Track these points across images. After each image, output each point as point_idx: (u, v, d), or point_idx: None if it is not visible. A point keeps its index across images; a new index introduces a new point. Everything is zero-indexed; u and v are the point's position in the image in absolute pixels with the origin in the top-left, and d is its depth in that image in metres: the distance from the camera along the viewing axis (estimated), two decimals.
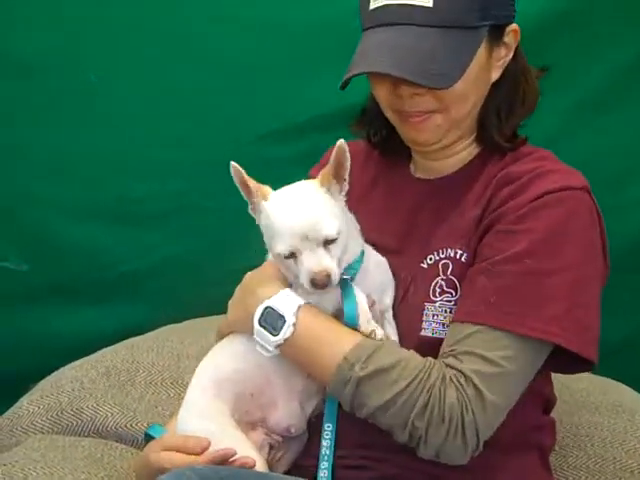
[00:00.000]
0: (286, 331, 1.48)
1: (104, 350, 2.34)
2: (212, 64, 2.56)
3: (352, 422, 1.50)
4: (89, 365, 2.25)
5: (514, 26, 1.57)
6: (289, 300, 1.50)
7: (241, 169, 1.49)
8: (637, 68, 2.50)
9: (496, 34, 1.55)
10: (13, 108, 2.58)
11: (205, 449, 1.50)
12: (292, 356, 1.52)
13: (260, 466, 1.48)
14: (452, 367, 1.44)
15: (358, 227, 1.58)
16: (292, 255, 1.45)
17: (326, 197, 1.48)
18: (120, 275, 2.72)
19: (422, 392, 1.42)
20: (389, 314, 1.58)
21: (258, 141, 2.57)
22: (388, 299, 1.58)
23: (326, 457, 1.53)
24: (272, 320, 1.49)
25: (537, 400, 1.64)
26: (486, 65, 1.55)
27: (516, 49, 1.59)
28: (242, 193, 1.51)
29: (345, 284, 1.51)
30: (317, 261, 1.44)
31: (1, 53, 2.54)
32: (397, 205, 1.68)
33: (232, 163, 1.49)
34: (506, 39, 1.57)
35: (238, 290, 1.64)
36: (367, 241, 1.60)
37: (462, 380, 1.43)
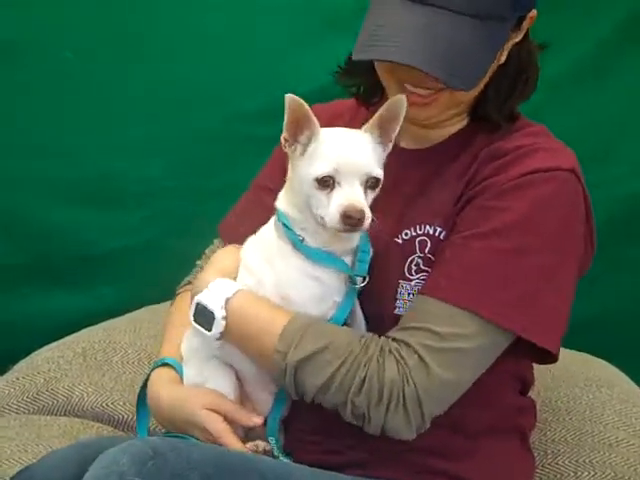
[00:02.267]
0: (217, 326, 1.44)
1: (81, 331, 2.32)
2: (196, 41, 2.56)
3: (320, 408, 1.46)
4: (65, 346, 2.23)
5: (533, 12, 1.49)
6: (216, 294, 1.46)
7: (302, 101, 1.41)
8: (619, 42, 2.51)
9: (519, 22, 1.48)
10: None
11: (257, 425, 1.49)
12: (236, 345, 1.49)
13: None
14: (397, 340, 1.41)
15: None
16: (329, 182, 1.38)
17: (374, 145, 1.42)
18: (100, 256, 2.70)
19: (359, 368, 1.39)
20: (359, 315, 1.52)
21: (244, 119, 2.56)
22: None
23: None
24: (203, 316, 1.46)
25: (514, 383, 1.61)
26: (500, 51, 1.48)
27: (526, 31, 1.51)
28: (286, 123, 1.43)
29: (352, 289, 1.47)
30: (356, 195, 1.37)
31: None
32: None
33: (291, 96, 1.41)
34: (523, 24, 1.49)
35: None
36: None
37: (403, 352, 1.39)
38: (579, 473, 1.84)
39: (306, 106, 1.40)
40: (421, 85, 1.45)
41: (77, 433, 1.93)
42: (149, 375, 1.62)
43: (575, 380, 2.10)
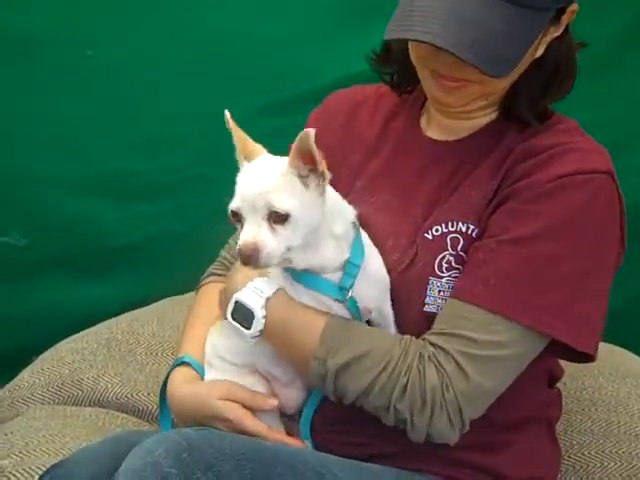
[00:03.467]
0: (256, 325, 1.44)
1: (105, 322, 2.33)
2: (210, 36, 2.54)
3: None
4: (90, 337, 2.24)
5: (575, 6, 1.44)
6: (257, 293, 1.45)
7: (231, 121, 1.42)
8: (633, 34, 2.49)
9: (558, 14, 1.42)
10: (11, 84, 2.55)
11: (273, 408, 1.50)
12: (271, 344, 1.49)
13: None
14: (434, 344, 1.39)
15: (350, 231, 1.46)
16: (238, 218, 1.35)
17: (291, 177, 1.34)
18: (120, 248, 2.70)
19: (400, 374, 1.38)
20: (390, 319, 1.50)
21: (256, 113, 2.54)
22: (387, 307, 1.49)
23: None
24: (243, 314, 1.45)
25: (544, 377, 1.61)
26: (536, 44, 1.43)
27: (566, 26, 1.46)
28: (236, 147, 1.43)
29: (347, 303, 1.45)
30: (252, 232, 1.31)
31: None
32: (404, 164, 1.58)
33: (226, 112, 1.41)
34: (563, 18, 1.44)
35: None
36: (368, 197, 1.53)
37: (442, 358, 1.38)
38: (605, 464, 1.84)
39: (238, 130, 1.41)
40: (451, 74, 1.43)
41: (102, 424, 1.94)
42: (169, 374, 1.63)
43: (600, 370, 2.09)
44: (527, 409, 1.54)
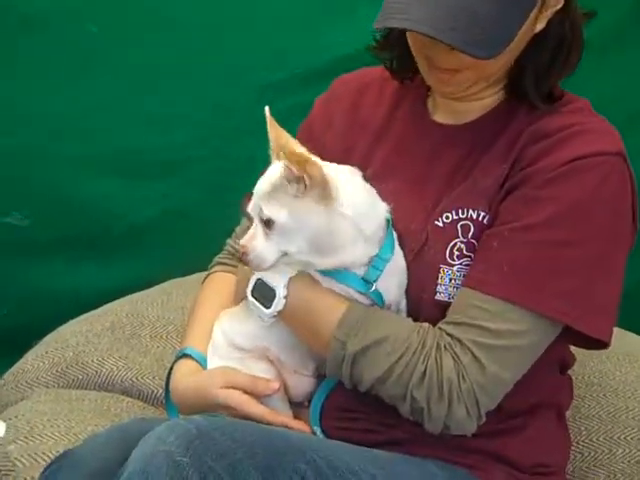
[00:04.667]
0: (277, 304, 1.43)
1: (109, 305, 2.31)
2: (213, 15, 2.52)
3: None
4: (93, 319, 2.23)
5: None
6: (280, 272, 1.43)
7: (269, 117, 1.43)
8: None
9: None
10: (14, 61, 2.53)
11: (276, 391, 1.49)
12: (289, 326, 1.48)
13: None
14: (450, 335, 1.38)
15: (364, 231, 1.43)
16: (251, 220, 1.41)
17: (282, 183, 1.37)
18: (124, 229, 2.68)
19: (418, 362, 1.37)
20: (404, 313, 1.49)
21: (259, 92, 2.52)
22: (403, 301, 1.49)
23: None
24: (264, 292, 1.44)
25: (555, 363, 1.59)
26: (534, 19, 1.39)
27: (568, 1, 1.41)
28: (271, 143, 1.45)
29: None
30: (250, 234, 1.39)
31: (1, 7, 2.48)
32: (412, 149, 1.56)
33: (266, 109, 1.43)
34: None
35: None
36: (378, 184, 1.49)
37: (457, 348, 1.37)
38: (614, 450, 1.83)
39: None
40: (444, 64, 1.42)
41: (107, 407, 1.93)
42: (172, 366, 1.62)
43: (608, 355, 2.06)
44: (538, 396, 1.52)
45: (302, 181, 1.35)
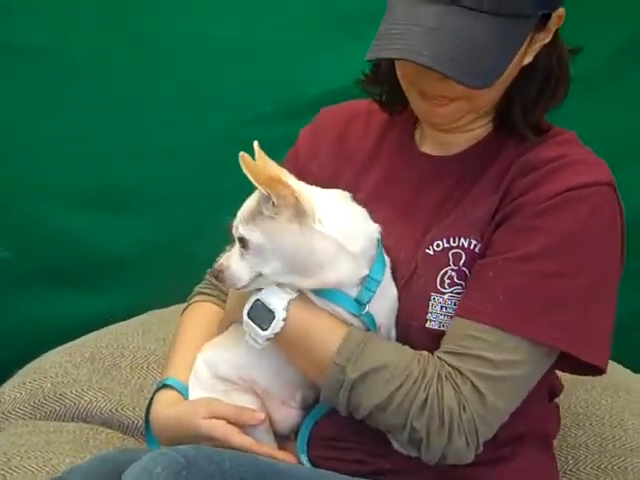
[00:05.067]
0: (275, 326, 1.40)
1: (88, 335, 2.29)
2: (200, 47, 2.52)
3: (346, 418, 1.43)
4: (73, 350, 2.19)
5: (561, 10, 1.40)
6: (280, 294, 1.41)
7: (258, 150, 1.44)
8: (632, 48, 2.49)
9: (544, 20, 1.39)
10: None
11: (261, 422, 1.46)
12: (283, 350, 1.45)
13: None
14: (450, 365, 1.37)
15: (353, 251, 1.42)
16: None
17: (257, 204, 1.38)
18: (105, 261, 2.66)
19: (419, 391, 1.35)
20: (394, 338, 1.47)
21: (246, 125, 2.52)
22: (393, 326, 1.47)
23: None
24: (261, 314, 1.41)
25: (544, 391, 1.58)
26: (523, 52, 1.40)
27: (555, 32, 1.43)
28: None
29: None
30: (228, 254, 1.41)
31: None
32: (399, 179, 1.56)
33: (255, 143, 1.44)
34: (549, 24, 1.41)
35: None
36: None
37: (458, 379, 1.36)
38: (600, 479, 1.81)
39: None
40: (436, 93, 1.41)
41: (86, 439, 1.89)
42: (152, 396, 1.59)
43: (592, 384, 2.06)
44: (527, 424, 1.50)
45: (270, 200, 1.35)
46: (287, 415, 1.52)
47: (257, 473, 1.30)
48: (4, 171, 2.56)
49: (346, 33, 2.44)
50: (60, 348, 2.22)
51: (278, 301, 1.41)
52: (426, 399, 1.35)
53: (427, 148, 1.57)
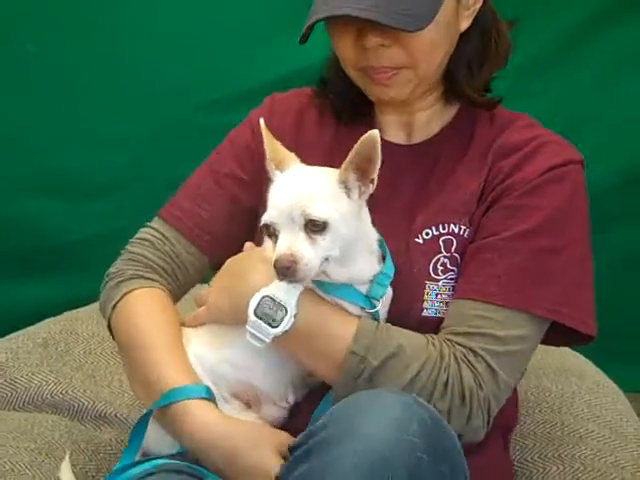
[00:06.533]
0: (287, 323, 1.35)
1: (43, 322, 2.27)
2: (152, 33, 2.55)
3: None
4: (25, 337, 2.18)
5: None
6: (288, 289, 1.35)
7: (265, 129, 1.39)
8: (586, 29, 2.55)
9: None
10: None
11: None
12: (288, 347, 1.40)
13: None
14: (461, 345, 1.38)
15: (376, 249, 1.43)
16: (272, 232, 1.31)
17: (333, 186, 1.32)
18: (65, 247, 2.67)
19: (440, 372, 1.35)
20: None
21: (198, 111, 2.57)
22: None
23: None
24: (271, 310, 1.35)
25: None
26: (455, 13, 1.45)
27: (485, 1, 1.50)
28: (267, 155, 1.39)
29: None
30: (289, 242, 1.27)
31: None
32: None
33: (261, 120, 1.40)
34: None
35: (221, 277, 1.50)
36: None
37: (471, 357, 1.38)
38: (547, 468, 1.80)
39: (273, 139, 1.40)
40: (380, 63, 1.43)
41: (32, 426, 1.86)
42: (158, 403, 1.44)
43: (545, 371, 2.06)
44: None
45: (370, 183, 1.34)
46: (277, 414, 1.48)
47: None
48: None
49: (296, 19, 2.42)
50: (12, 335, 2.20)
51: (289, 296, 1.35)
52: (446, 381, 1.35)
53: (392, 137, 1.56)
